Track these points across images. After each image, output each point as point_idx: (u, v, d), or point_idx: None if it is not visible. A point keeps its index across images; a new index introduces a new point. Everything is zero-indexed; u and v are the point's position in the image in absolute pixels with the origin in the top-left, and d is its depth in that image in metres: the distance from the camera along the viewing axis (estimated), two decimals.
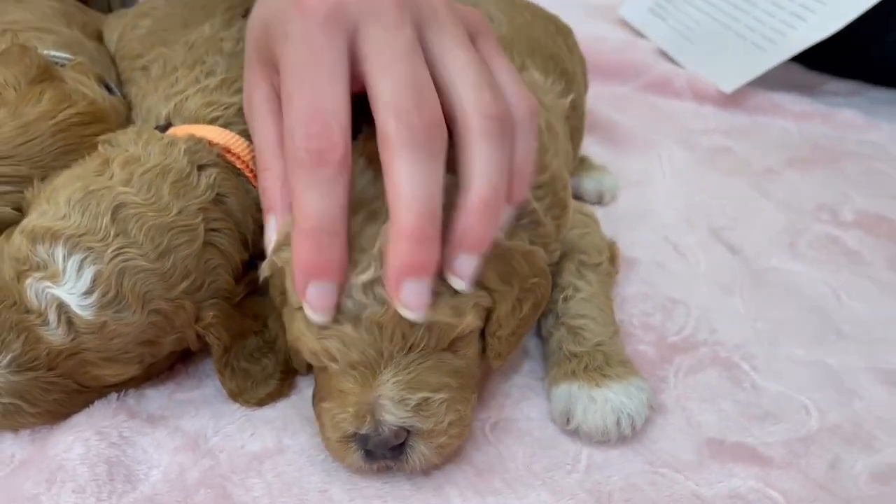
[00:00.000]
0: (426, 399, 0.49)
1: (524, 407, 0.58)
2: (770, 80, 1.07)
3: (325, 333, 0.48)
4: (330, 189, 0.47)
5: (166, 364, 0.60)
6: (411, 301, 0.46)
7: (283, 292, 0.52)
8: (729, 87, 1.04)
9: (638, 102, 1.06)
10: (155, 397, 0.58)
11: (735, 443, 0.55)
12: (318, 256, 0.46)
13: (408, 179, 0.45)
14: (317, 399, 0.53)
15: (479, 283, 0.50)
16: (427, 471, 0.52)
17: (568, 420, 0.55)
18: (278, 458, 0.54)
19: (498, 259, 0.51)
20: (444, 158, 0.47)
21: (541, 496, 0.51)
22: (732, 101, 1.05)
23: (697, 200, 0.84)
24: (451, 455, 0.52)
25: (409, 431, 0.49)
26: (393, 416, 0.48)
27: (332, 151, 0.46)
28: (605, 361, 0.57)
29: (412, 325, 0.47)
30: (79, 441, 0.53)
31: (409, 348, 0.49)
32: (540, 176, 0.58)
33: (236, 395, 0.58)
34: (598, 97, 1.02)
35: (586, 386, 0.56)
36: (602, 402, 0.54)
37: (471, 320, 0.50)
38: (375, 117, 0.47)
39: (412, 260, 0.45)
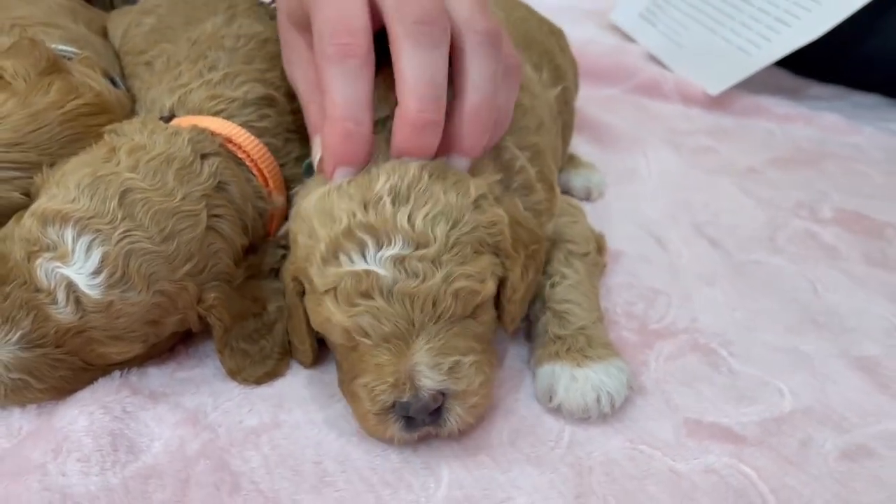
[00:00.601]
0: (457, 362, 0.52)
1: (510, 387, 0.61)
2: (756, 84, 1.10)
3: (356, 310, 0.51)
4: (356, 78, 0.52)
5: (168, 344, 0.62)
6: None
7: (304, 275, 0.54)
8: (715, 89, 1.07)
9: (627, 104, 1.09)
10: (157, 375, 0.60)
11: (711, 422, 0.58)
12: (345, 142, 0.52)
13: (411, 67, 0.51)
14: (347, 379, 0.55)
15: (495, 251, 0.55)
16: (463, 433, 0.54)
17: (550, 398, 0.58)
18: (275, 432, 0.56)
19: (510, 227, 0.55)
20: (447, 48, 0.53)
21: (525, 470, 0.54)
22: (718, 103, 1.08)
23: (681, 197, 0.87)
24: (482, 415, 0.55)
25: (444, 395, 0.52)
26: (430, 380, 0.51)
27: (357, 46, 0.52)
28: (587, 343, 0.60)
29: (441, 294, 0.51)
30: (84, 414, 0.55)
31: (438, 317, 0.52)
32: (523, 140, 0.61)
33: (235, 374, 0.60)
34: (588, 99, 1.05)
35: (568, 366, 0.58)
36: (583, 380, 0.57)
37: (490, 286, 0.54)
38: (384, 20, 0.53)
39: (412, 145, 0.52)
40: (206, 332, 0.62)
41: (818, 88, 1.15)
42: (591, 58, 1.13)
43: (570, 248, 0.66)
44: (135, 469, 0.53)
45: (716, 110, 1.07)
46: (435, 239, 0.51)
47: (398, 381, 0.51)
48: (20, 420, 0.57)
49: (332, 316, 0.52)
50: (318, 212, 0.54)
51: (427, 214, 0.52)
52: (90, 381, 0.59)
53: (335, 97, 0.52)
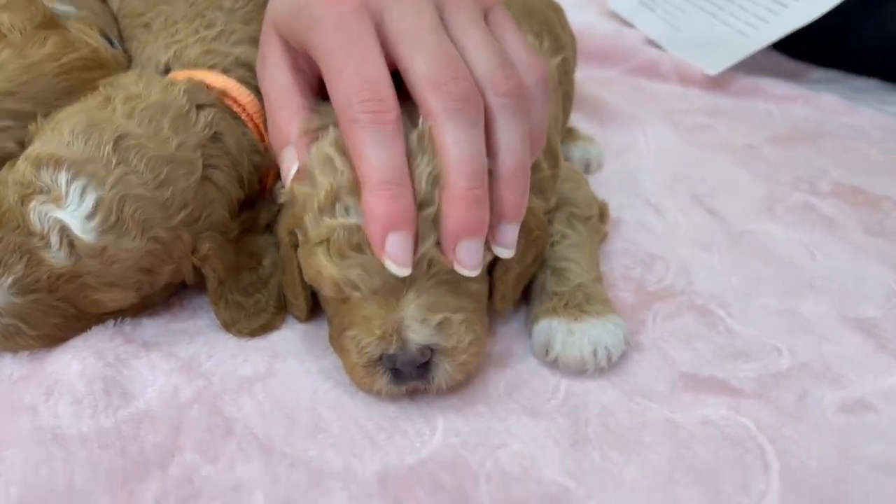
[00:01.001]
0: (447, 319, 0.51)
1: (506, 344, 0.60)
2: (754, 67, 1.10)
3: (347, 263, 0.51)
4: (392, 144, 0.50)
5: (163, 296, 0.62)
6: (467, 260, 0.50)
7: (299, 226, 0.54)
8: (714, 70, 1.08)
9: (625, 85, 1.09)
10: (150, 326, 0.60)
11: (708, 377, 0.58)
12: (392, 207, 0.49)
13: (455, 146, 0.50)
14: (337, 332, 0.54)
15: None
16: (452, 389, 0.54)
17: (547, 352, 0.57)
18: (269, 380, 0.55)
19: None
20: (483, 126, 0.52)
21: (520, 419, 0.53)
22: (717, 84, 1.08)
23: (679, 171, 0.87)
24: (472, 373, 0.55)
25: (433, 350, 0.51)
26: (418, 334, 0.51)
27: (387, 112, 0.50)
28: (585, 300, 0.59)
29: (437, 256, 0.50)
30: (76, 359, 0.55)
31: (430, 274, 0.51)
32: None
33: (229, 326, 0.60)
34: (587, 79, 1.05)
35: (566, 320, 0.58)
36: (580, 334, 0.57)
37: (487, 255, 0.53)
38: (414, 92, 0.51)
39: (467, 221, 0.50)
40: (200, 286, 0.62)
41: (816, 72, 1.15)
42: (590, 40, 1.13)
43: (573, 211, 0.66)
44: (127, 413, 0.52)
45: (714, 91, 1.07)
46: (435, 201, 0.51)
47: (385, 334, 0.51)
48: (11, 366, 0.56)
49: (322, 269, 0.52)
50: (321, 162, 0.53)
51: (431, 174, 0.51)
52: (83, 329, 0.58)
53: (373, 162, 0.49)
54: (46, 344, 0.57)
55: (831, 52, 1.16)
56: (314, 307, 0.61)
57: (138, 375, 0.55)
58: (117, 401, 0.53)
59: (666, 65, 1.11)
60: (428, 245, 0.50)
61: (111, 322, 0.59)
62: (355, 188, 0.51)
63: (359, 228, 0.50)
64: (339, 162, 0.52)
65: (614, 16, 1.32)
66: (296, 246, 0.57)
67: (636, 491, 0.49)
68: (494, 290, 0.58)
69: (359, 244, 0.51)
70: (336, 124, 0.53)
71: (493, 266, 0.57)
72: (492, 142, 0.52)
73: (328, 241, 0.52)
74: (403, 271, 0.49)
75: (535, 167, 0.61)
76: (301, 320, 0.61)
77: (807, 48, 1.17)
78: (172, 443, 0.50)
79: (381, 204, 0.49)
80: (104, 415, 0.52)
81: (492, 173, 0.52)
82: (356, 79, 0.51)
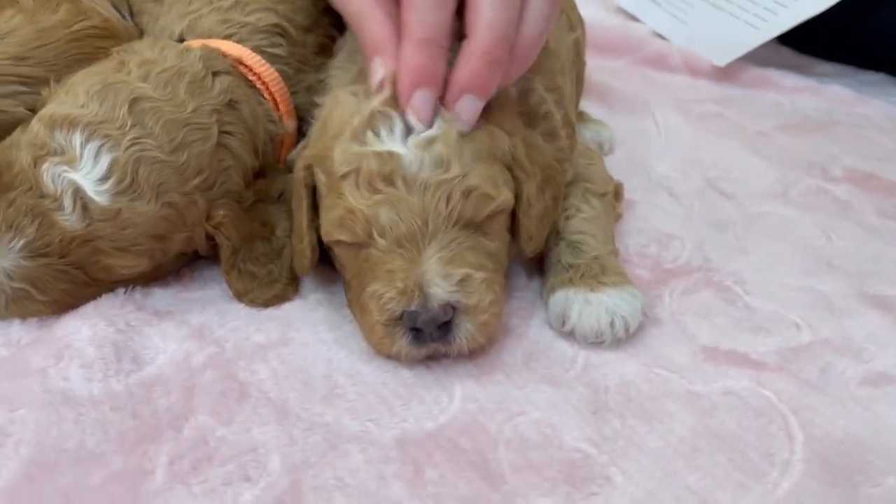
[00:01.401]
0: (468, 275, 0.51)
1: (523, 315, 0.59)
2: (762, 60, 1.10)
3: (377, 198, 0.51)
4: (441, 10, 0.53)
5: (174, 267, 0.61)
6: (465, 115, 0.52)
7: (322, 162, 0.54)
8: (722, 60, 1.07)
9: (634, 74, 1.09)
10: (161, 295, 0.59)
11: (728, 350, 0.57)
12: (428, 63, 0.51)
13: (491, 8, 0.52)
14: (357, 293, 0.54)
15: (508, 161, 0.55)
16: (472, 353, 0.53)
17: (564, 322, 0.57)
18: (283, 348, 0.55)
19: (524, 142, 0.56)
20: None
21: (539, 387, 0.53)
22: (725, 75, 1.08)
23: (692, 156, 0.86)
24: (492, 336, 0.54)
25: (454, 309, 0.50)
26: (440, 288, 0.50)
27: None
28: (601, 271, 0.59)
29: (456, 188, 0.51)
30: (87, 325, 0.54)
31: (450, 221, 0.51)
32: (550, 81, 0.60)
33: (242, 295, 0.59)
34: (595, 69, 1.04)
35: (582, 290, 0.57)
36: (597, 304, 0.56)
37: (505, 195, 0.53)
38: None
39: (480, 77, 0.52)
40: (212, 258, 0.61)
41: (823, 66, 1.15)
42: (598, 32, 1.12)
43: (588, 186, 0.65)
44: (138, 378, 0.51)
45: (723, 82, 1.07)
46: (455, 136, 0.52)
47: (407, 288, 0.50)
48: (20, 332, 0.55)
49: (354, 205, 0.51)
50: (355, 93, 0.55)
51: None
52: (93, 297, 0.57)
53: (423, 18, 0.52)
54: (55, 310, 0.56)
55: (838, 46, 1.15)
56: (326, 281, 0.60)
57: (149, 342, 0.54)
58: (128, 366, 0.52)
59: (674, 56, 1.11)
60: (451, 175, 0.50)
61: (121, 290, 0.58)
62: (387, 113, 0.52)
63: (390, 156, 0.51)
64: (367, 93, 0.53)
65: (620, 11, 1.32)
66: (311, 186, 0.56)
67: (659, 458, 0.48)
68: (521, 228, 0.57)
69: (389, 174, 0.50)
70: None
71: (514, 216, 0.56)
72: (474, 16, 0.53)
73: (357, 171, 0.51)
74: (421, 126, 0.51)
75: (554, 135, 0.60)
76: (303, 270, 0.59)
77: (814, 42, 1.17)
78: (185, 405, 0.49)
79: (418, 58, 0.51)
80: (115, 379, 0.51)
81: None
82: None
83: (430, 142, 0.51)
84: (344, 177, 0.51)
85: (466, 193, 0.51)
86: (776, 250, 0.69)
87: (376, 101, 0.52)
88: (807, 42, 1.17)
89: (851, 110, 1.01)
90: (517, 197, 0.55)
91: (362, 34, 0.57)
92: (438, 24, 0.52)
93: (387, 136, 0.51)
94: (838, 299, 0.63)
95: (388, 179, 0.50)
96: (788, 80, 1.07)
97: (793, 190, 0.80)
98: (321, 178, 0.54)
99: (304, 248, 0.57)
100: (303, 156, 0.56)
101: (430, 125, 0.51)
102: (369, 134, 0.51)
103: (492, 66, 0.52)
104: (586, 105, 0.95)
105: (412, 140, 0.51)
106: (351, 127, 0.52)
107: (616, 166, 0.81)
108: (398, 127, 0.51)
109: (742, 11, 1.12)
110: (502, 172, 0.54)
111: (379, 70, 0.54)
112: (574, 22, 0.81)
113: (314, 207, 0.56)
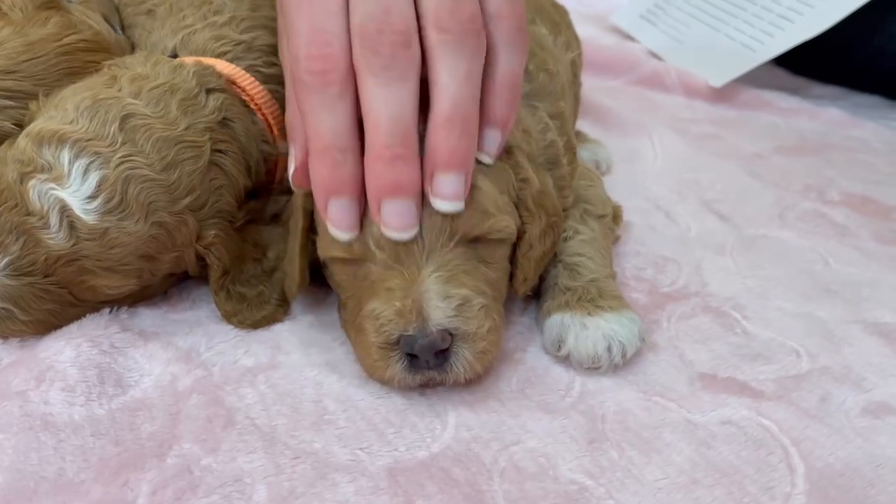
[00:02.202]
0: (467, 299, 0.49)
1: (518, 341, 0.58)
2: (758, 81, 1.10)
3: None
4: (336, 106, 0.47)
5: (162, 288, 0.60)
6: (393, 220, 0.47)
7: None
8: (719, 81, 1.07)
9: (630, 94, 1.08)
10: (148, 315, 0.58)
11: (727, 377, 0.56)
12: (332, 173, 0.47)
13: (375, 103, 0.46)
14: (353, 314, 0.52)
15: (514, 199, 0.54)
16: (469, 381, 0.51)
17: (559, 346, 0.55)
18: (271, 372, 0.53)
19: (532, 183, 0.55)
20: (416, 77, 0.48)
21: (535, 415, 0.51)
22: (722, 96, 1.07)
23: (688, 177, 0.86)
24: (490, 365, 0.52)
25: (452, 336, 0.49)
26: (440, 311, 0.48)
27: (334, 71, 0.47)
28: (598, 294, 0.58)
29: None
30: (70, 346, 0.52)
31: (448, 232, 0.49)
32: (553, 106, 0.60)
33: (231, 316, 0.57)
34: (591, 88, 1.04)
35: (579, 315, 0.56)
36: (594, 328, 0.55)
37: (508, 221, 0.52)
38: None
39: (386, 181, 0.46)
40: (201, 278, 0.60)
41: (818, 88, 1.15)
42: (594, 51, 1.12)
43: (587, 208, 0.64)
44: (122, 402, 0.50)
45: (719, 103, 1.07)
46: None
47: (406, 307, 0.48)
48: (0, 352, 0.53)
49: None
50: None
51: None
52: (77, 317, 0.56)
53: (317, 128, 0.47)
54: (38, 331, 0.55)
55: (834, 68, 1.15)
56: (318, 302, 0.59)
57: (134, 364, 0.53)
58: (112, 389, 0.50)
59: (670, 76, 1.11)
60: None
61: (107, 309, 0.56)
62: None
63: None
64: None
65: (616, 29, 1.32)
66: (308, 211, 0.55)
67: (657, 491, 0.46)
68: (517, 270, 0.56)
69: None
70: None
71: (513, 253, 0.56)
72: (430, 82, 0.48)
73: None
74: (345, 235, 0.49)
75: (556, 163, 0.60)
76: (292, 293, 0.58)
77: (809, 64, 1.17)
78: (170, 432, 0.48)
79: (321, 170, 0.48)
80: (98, 403, 0.49)
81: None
82: (307, 31, 0.47)
83: None
84: None
85: (470, 210, 0.50)
86: (774, 275, 0.68)
87: None
88: (803, 64, 1.17)
89: (847, 133, 1.00)
90: (519, 237, 0.55)
91: (287, 117, 0.56)
92: (333, 125, 0.47)
93: None
94: (837, 326, 0.62)
95: None
96: (784, 101, 1.06)
97: (790, 213, 0.79)
98: None
99: (294, 272, 0.56)
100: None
101: (354, 230, 0.49)
102: None
103: (461, 137, 0.47)
104: (582, 125, 0.94)
105: None
106: None
107: (612, 187, 0.80)
108: None
109: (738, 33, 1.12)
110: (507, 204, 0.53)
111: (292, 159, 0.54)
112: (571, 41, 0.81)
113: (310, 231, 0.55)
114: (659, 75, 1.12)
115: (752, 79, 1.09)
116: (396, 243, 0.49)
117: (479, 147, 0.50)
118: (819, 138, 0.99)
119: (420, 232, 0.49)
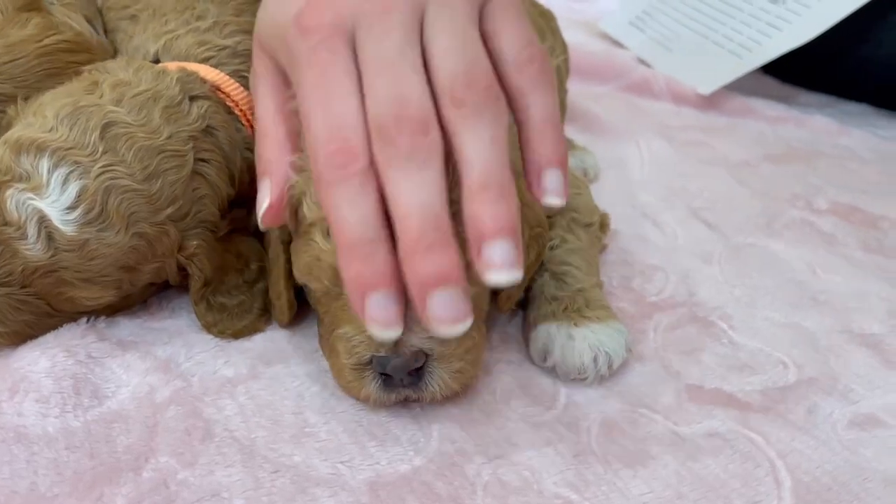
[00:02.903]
0: None
1: (502, 351, 0.58)
2: (745, 89, 1.10)
3: None
4: (360, 199, 0.44)
5: (142, 297, 0.59)
6: (442, 313, 0.42)
7: (294, 216, 0.51)
8: (707, 89, 1.07)
9: (617, 100, 1.08)
10: (126, 325, 0.57)
11: (713, 389, 0.55)
12: (365, 267, 0.43)
13: (402, 196, 0.44)
14: (328, 332, 0.51)
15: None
16: (447, 399, 0.50)
17: (545, 357, 0.55)
18: (252, 382, 0.52)
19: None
20: (441, 159, 0.45)
21: (519, 427, 0.51)
22: (710, 103, 1.07)
23: (676, 185, 0.85)
24: (468, 383, 0.51)
25: (427, 355, 0.48)
26: (413, 334, 0.47)
27: (353, 164, 0.44)
28: (585, 304, 0.57)
29: None
30: (45, 356, 0.51)
31: None
32: None
33: (211, 326, 0.56)
34: (578, 94, 1.04)
35: (565, 325, 0.55)
36: (580, 339, 0.54)
37: None
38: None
39: (427, 273, 0.42)
40: (182, 287, 0.59)
41: (806, 96, 1.15)
42: (582, 57, 1.12)
43: (574, 217, 0.63)
44: (98, 413, 0.49)
45: (707, 110, 1.06)
46: None
47: None
48: None
49: (321, 253, 0.49)
50: None
51: None
52: (54, 327, 0.55)
53: (342, 224, 0.44)
54: (14, 342, 0.53)
55: (821, 76, 1.15)
56: (300, 313, 0.58)
57: (111, 375, 0.52)
58: (87, 400, 0.49)
59: (658, 83, 1.10)
60: None
61: (84, 319, 0.55)
62: None
63: None
64: None
65: (605, 36, 1.31)
66: (285, 242, 0.54)
67: None
68: (500, 290, 0.55)
69: None
70: None
71: None
72: (456, 160, 0.45)
73: (324, 220, 0.48)
74: (391, 334, 0.44)
75: None
76: (282, 324, 0.58)
77: (797, 72, 1.17)
78: (146, 445, 0.47)
79: (353, 266, 0.43)
80: (73, 414, 0.48)
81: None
82: (324, 128, 0.45)
83: None
84: (313, 223, 0.49)
85: None
86: (761, 284, 0.68)
87: None
88: (790, 72, 1.17)
89: (835, 141, 1.00)
90: None
91: (258, 151, 0.53)
92: (359, 218, 0.44)
93: None
94: (824, 336, 0.62)
95: None
96: (772, 109, 1.06)
97: (777, 222, 0.79)
98: (295, 229, 0.52)
99: (282, 305, 0.56)
100: None
101: (399, 326, 0.44)
102: None
103: (499, 201, 0.44)
104: (569, 131, 0.94)
105: None
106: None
107: (599, 194, 0.79)
108: None
109: (727, 41, 1.11)
110: None
111: (265, 192, 0.51)
112: (556, 47, 0.80)
113: (289, 262, 0.54)
114: (647, 82, 1.11)
115: (740, 86, 1.08)
116: None
117: (545, 191, 0.47)
118: (806, 146, 0.98)
119: None
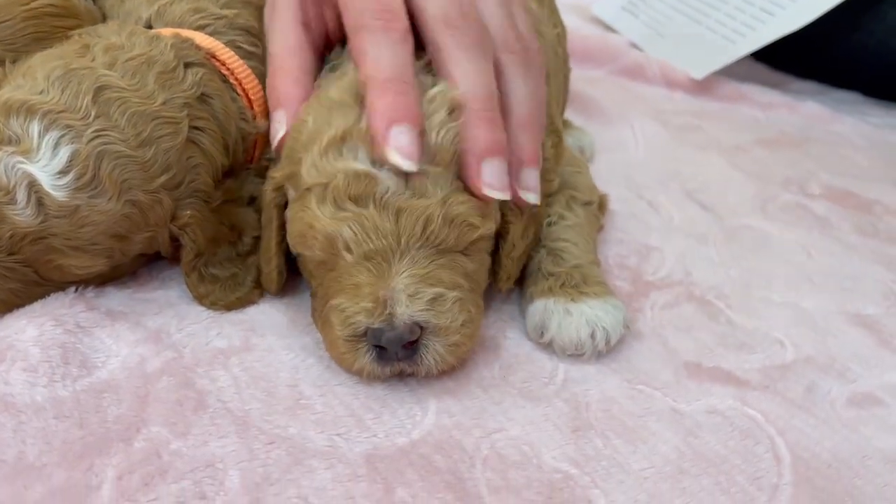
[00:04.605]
0: (440, 295, 0.47)
1: (500, 327, 0.57)
2: (738, 75, 1.10)
3: (343, 216, 0.47)
4: (400, 48, 0.50)
5: (132, 268, 0.57)
6: (494, 180, 0.49)
7: (292, 179, 0.50)
8: (699, 73, 1.07)
9: (611, 84, 1.07)
10: (115, 295, 0.55)
11: (712, 367, 0.55)
12: (396, 100, 0.47)
13: (470, 75, 0.50)
14: (321, 304, 0.50)
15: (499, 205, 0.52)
16: (442, 373, 0.50)
17: (542, 333, 0.54)
18: (245, 354, 0.51)
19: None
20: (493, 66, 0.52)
21: (517, 402, 0.50)
22: (702, 88, 1.07)
23: (670, 167, 0.85)
24: (464, 357, 0.51)
25: (422, 328, 0.47)
26: (407, 308, 0.46)
27: (398, 21, 0.50)
28: (582, 280, 0.56)
29: (436, 216, 0.47)
30: (32, 325, 0.50)
31: (428, 242, 0.47)
32: None
33: (203, 298, 0.55)
34: (573, 78, 1.02)
35: (562, 300, 0.55)
36: (577, 314, 0.54)
37: (489, 227, 0.50)
38: (427, 33, 0.52)
39: (490, 140, 0.49)
40: (174, 259, 0.57)
41: (798, 83, 1.15)
42: (575, 41, 1.10)
43: (573, 195, 0.63)
44: (87, 383, 0.48)
45: (700, 95, 1.06)
46: (447, 160, 0.48)
47: (373, 305, 0.46)
48: None
49: (315, 221, 0.47)
50: (332, 107, 0.49)
51: (445, 134, 0.48)
52: (42, 296, 0.53)
53: (381, 63, 0.49)
54: (0, 311, 0.52)
55: (813, 64, 1.15)
56: (293, 285, 0.57)
57: (101, 344, 0.51)
58: (76, 370, 0.48)
59: (652, 68, 1.10)
60: (430, 201, 0.47)
61: (72, 288, 0.54)
62: (367, 136, 0.47)
63: (365, 176, 0.46)
64: (353, 107, 0.48)
65: (598, 21, 1.30)
66: (281, 206, 0.53)
67: (644, 480, 0.45)
68: (500, 269, 0.55)
69: (358, 195, 0.46)
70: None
71: (496, 248, 0.54)
72: (503, 95, 0.52)
73: (327, 185, 0.47)
74: (409, 164, 0.46)
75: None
76: (271, 292, 0.56)
77: (789, 59, 1.17)
78: (137, 415, 0.46)
79: (386, 98, 0.47)
80: (61, 384, 0.47)
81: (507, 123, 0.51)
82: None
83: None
84: (310, 189, 0.48)
85: (448, 221, 0.47)
86: (756, 265, 0.68)
87: (352, 118, 0.48)
88: (782, 59, 1.17)
89: (827, 127, 1.00)
90: (502, 236, 0.53)
91: (272, 84, 0.56)
92: (398, 61, 0.49)
93: (362, 156, 0.47)
94: (821, 317, 0.62)
95: (357, 200, 0.46)
96: (764, 95, 1.06)
97: (771, 205, 0.79)
98: (291, 195, 0.51)
99: (271, 272, 0.55)
100: (273, 177, 0.53)
101: (418, 160, 0.46)
102: (343, 150, 0.47)
103: (492, 125, 0.50)
104: (565, 114, 0.93)
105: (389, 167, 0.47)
106: (323, 141, 0.48)
107: (594, 175, 0.79)
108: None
109: (720, 26, 1.11)
110: (491, 207, 0.51)
111: (281, 123, 0.53)
112: (555, 20, 0.79)
113: (283, 228, 0.53)
114: (640, 66, 1.11)
115: (732, 72, 1.08)
116: (365, 247, 0.47)
117: (520, 185, 0.52)
118: (799, 132, 0.98)
119: (398, 238, 0.47)
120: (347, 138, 0.47)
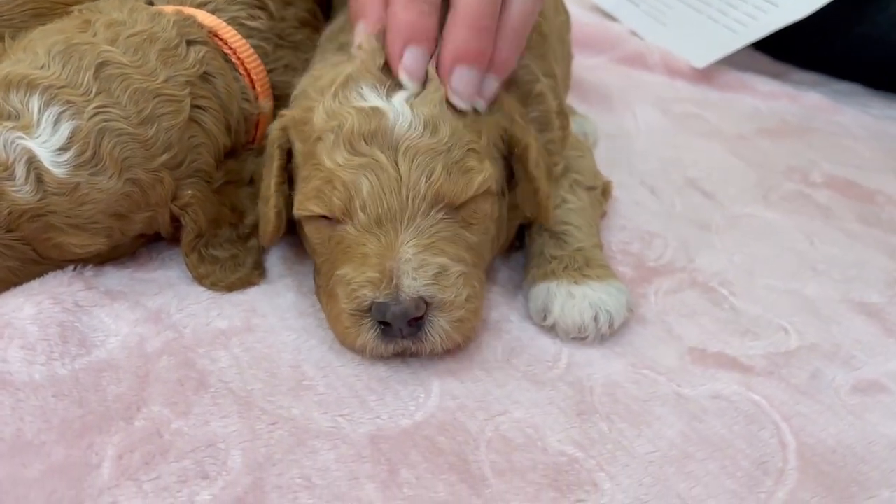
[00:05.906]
0: (444, 268, 0.47)
1: (503, 310, 0.56)
2: (739, 65, 1.09)
3: (359, 161, 0.47)
4: None
5: (131, 249, 0.57)
6: (461, 87, 0.50)
7: (302, 125, 0.51)
8: (701, 63, 1.06)
9: (613, 72, 1.07)
10: (114, 274, 0.55)
11: (716, 352, 0.55)
12: (416, 18, 0.49)
13: None
14: (326, 278, 0.50)
15: (500, 131, 0.53)
16: (448, 350, 0.49)
17: (545, 316, 0.54)
18: (246, 335, 0.51)
19: (514, 105, 0.55)
20: None
21: (521, 385, 0.50)
22: (703, 77, 1.06)
23: (672, 155, 0.84)
24: (469, 335, 0.50)
25: (427, 304, 0.47)
26: (414, 280, 0.46)
27: None
28: (585, 263, 0.56)
29: (436, 168, 0.48)
30: (30, 303, 0.49)
31: (432, 201, 0.48)
32: (546, 65, 0.58)
33: (203, 278, 0.55)
34: (574, 65, 1.02)
35: (565, 283, 0.54)
36: (581, 297, 0.53)
37: (489, 171, 0.50)
38: None
39: (468, 46, 0.49)
40: (174, 240, 0.57)
41: (799, 74, 1.14)
42: (576, 28, 1.09)
43: (577, 178, 0.62)
44: (86, 362, 0.47)
45: (701, 84, 1.05)
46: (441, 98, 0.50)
47: (380, 275, 0.46)
48: None
49: (330, 170, 0.48)
50: (349, 59, 0.52)
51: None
52: (40, 275, 0.53)
53: None
54: None
55: (814, 55, 1.15)
56: (294, 265, 0.57)
57: (100, 324, 0.50)
58: (75, 349, 0.48)
59: (653, 56, 1.09)
60: (437, 173, 0.47)
61: (70, 267, 0.53)
62: (376, 74, 0.49)
63: (374, 112, 0.48)
64: (377, 51, 0.50)
65: (598, 9, 1.30)
66: (282, 147, 0.53)
67: (649, 464, 0.45)
68: (535, 189, 0.54)
69: (373, 132, 0.47)
70: None
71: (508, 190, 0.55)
72: (502, 7, 0.52)
73: (338, 128, 0.48)
74: (413, 85, 0.49)
75: (547, 124, 0.58)
76: (266, 238, 0.55)
77: (790, 50, 1.16)
78: (138, 394, 0.45)
79: (407, 15, 0.49)
80: (60, 362, 0.46)
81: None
82: None
83: (417, 100, 0.49)
84: (321, 137, 0.48)
85: (449, 169, 0.48)
86: (759, 253, 0.67)
87: (359, 63, 0.50)
88: (783, 50, 1.16)
89: (828, 118, 1.00)
90: (522, 154, 0.53)
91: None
92: None
93: (371, 93, 0.49)
94: (824, 304, 0.61)
95: (371, 138, 0.47)
96: (765, 85, 1.06)
97: (773, 194, 0.78)
98: (297, 146, 0.51)
99: (268, 211, 0.53)
100: (280, 116, 0.53)
101: (421, 84, 0.49)
102: (352, 92, 0.49)
103: (480, 34, 0.50)
104: (566, 99, 0.93)
105: (398, 97, 0.49)
106: (332, 87, 0.49)
107: (597, 162, 0.79)
108: (383, 85, 0.49)
109: (721, 15, 1.10)
110: (488, 146, 0.51)
111: (361, 33, 0.52)
112: (559, 6, 0.79)
113: (285, 170, 0.53)
114: (641, 54, 1.10)
115: (734, 62, 1.08)
116: (380, 206, 0.47)
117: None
118: (801, 122, 0.98)
119: (405, 194, 0.47)
120: (351, 83, 0.49)
